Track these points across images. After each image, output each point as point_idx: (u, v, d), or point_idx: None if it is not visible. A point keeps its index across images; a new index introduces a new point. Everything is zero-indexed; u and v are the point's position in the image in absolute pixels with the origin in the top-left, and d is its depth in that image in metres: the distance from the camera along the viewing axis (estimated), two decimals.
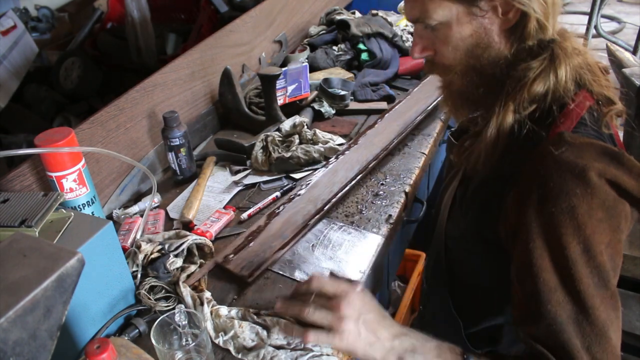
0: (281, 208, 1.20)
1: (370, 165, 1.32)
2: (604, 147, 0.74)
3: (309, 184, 1.27)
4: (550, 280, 0.73)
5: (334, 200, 1.21)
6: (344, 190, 1.24)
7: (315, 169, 1.35)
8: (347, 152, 1.38)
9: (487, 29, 0.79)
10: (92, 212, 1.07)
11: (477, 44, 0.81)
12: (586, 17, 2.10)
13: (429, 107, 1.56)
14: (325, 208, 1.19)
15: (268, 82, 1.48)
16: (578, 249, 0.71)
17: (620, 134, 0.90)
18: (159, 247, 1.03)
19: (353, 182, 1.27)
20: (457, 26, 0.79)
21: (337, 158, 1.36)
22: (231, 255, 1.07)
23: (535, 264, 0.74)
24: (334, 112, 1.64)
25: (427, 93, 1.65)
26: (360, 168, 1.31)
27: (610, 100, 0.81)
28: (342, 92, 1.65)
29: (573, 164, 0.72)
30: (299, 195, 1.23)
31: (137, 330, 0.91)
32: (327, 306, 0.79)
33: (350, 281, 0.85)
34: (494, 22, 0.79)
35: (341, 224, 1.17)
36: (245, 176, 1.36)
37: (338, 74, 1.78)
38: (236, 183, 1.34)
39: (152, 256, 1.02)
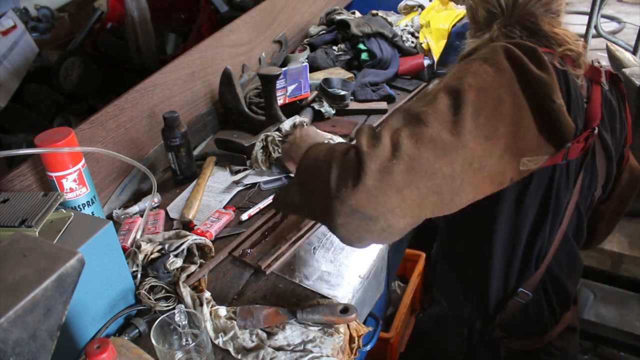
0: None
1: None
2: (528, 45, 0.84)
3: None
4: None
5: None
6: None
7: None
8: None
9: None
10: (92, 212, 1.07)
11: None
12: (586, 17, 2.09)
13: None
14: None
15: (268, 82, 1.48)
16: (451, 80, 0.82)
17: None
18: (159, 247, 1.03)
19: None
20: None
21: None
22: (249, 250, 1.09)
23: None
24: (334, 112, 1.64)
25: None
26: None
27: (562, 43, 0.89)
28: (342, 92, 1.65)
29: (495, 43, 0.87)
30: None
31: (137, 330, 0.91)
32: None
33: None
34: None
35: None
36: (245, 176, 1.36)
37: (338, 74, 1.78)
38: (236, 183, 1.34)
39: (152, 256, 1.02)
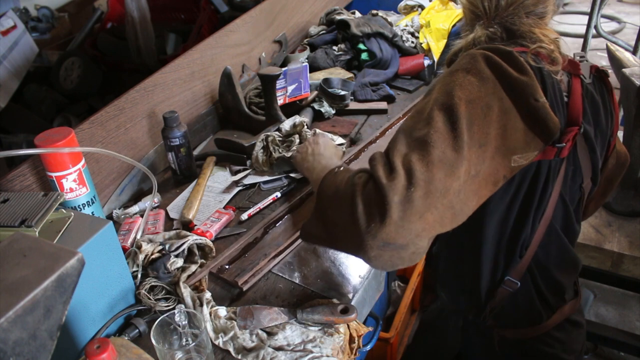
0: (279, 220, 1.19)
1: None
2: (504, 49, 0.87)
3: (310, 196, 1.27)
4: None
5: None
6: None
7: None
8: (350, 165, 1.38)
9: None
10: (92, 212, 1.07)
11: None
12: (586, 17, 2.10)
13: None
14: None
15: (268, 82, 1.48)
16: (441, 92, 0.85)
17: (620, 134, 0.93)
18: (160, 247, 1.03)
19: None
20: None
21: None
22: (227, 266, 1.07)
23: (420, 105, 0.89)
24: (334, 112, 1.64)
25: None
26: None
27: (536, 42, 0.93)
28: (342, 92, 1.65)
29: (473, 51, 0.89)
30: (298, 208, 1.23)
31: (137, 330, 0.91)
32: None
33: None
34: None
35: None
36: (245, 176, 1.36)
37: (338, 74, 1.78)
38: (236, 183, 1.34)
39: (153, 256, 1.02)
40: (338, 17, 2.01)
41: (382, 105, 1.66)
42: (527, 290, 1.03)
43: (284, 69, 1.53)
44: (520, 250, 0.99)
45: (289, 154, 1.34)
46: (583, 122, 0.94)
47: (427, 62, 1.83)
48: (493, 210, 0.95)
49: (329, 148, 1.18)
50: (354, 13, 2.16)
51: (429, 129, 0.81)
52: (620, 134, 1.03)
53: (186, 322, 0.85)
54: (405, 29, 1.99)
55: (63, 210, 0.89)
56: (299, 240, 1.12)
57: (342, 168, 0.94)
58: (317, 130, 1.43)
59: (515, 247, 0.99)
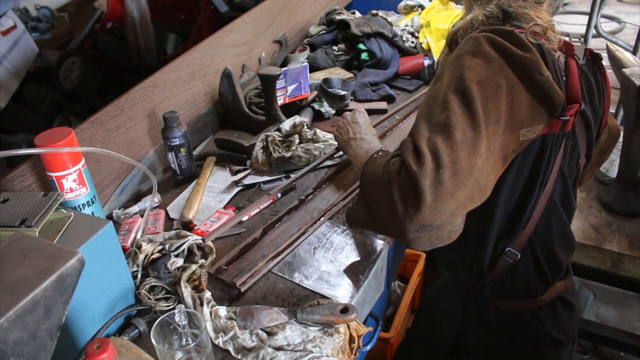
0: (278, 222, 1.19)
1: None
2: (505, 29, 0.90)
3: (308, 197, 1.27)
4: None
5: (330, 210, 1.21)
6: (341, 202, 1.24)
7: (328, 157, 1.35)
8: (347, 169, 1.37)
9: None
10: (92, 212, 1.07)
11: None
12: (586, 17, 2.10)
13: None
14: (322, 218, 1.18)
15: (268, 82, 1.48)
16: (454, 75, 0.88)
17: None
18: (160, 247, 1.03)
19: (351, 194, 1.26)
20: None
21: (338, 174, 1.35)
22: (225, 267, 1.07)
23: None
24: (334, 112, 1.64)
25: None
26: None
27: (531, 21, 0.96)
28: (342, 92, 1.65)
29: (476, 34, 0.92)
30: (297, 209, 1.23)
31: (137, 330, 0.91)
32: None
33: None
34: None
35: (344, 227, 1.17)
36: (245, 176, 1.36)
37: (338, 74, 1.78)
38: (236, 183, 1.34)
39: (153, 256, 1.02)
40: (338, 17, 2.01)
41: (382, 105, 1.66)
42: (526, 263, 1.07)
43: (284, 69, 1.53)
44: (523, 222, 1.03)
45: (288, 154, 1.34)
46: (581, 100, 0.97)
47: (427, 62, 1.82)
48: (503, 183, 0.98)
49: (367, 126, 1.22)
50: (354, 13, 2.16)
51: (447, 112, 0.84)
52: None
53: (186, 322, 0.85)
54: (405, 29, 1.99)
55: (63, 210, 0.89)
56: (298, 241, 1.12)
57: (380, 153, 0.98)
58: (302, 121, 1.44)
59: (519, 219, 1.02)
